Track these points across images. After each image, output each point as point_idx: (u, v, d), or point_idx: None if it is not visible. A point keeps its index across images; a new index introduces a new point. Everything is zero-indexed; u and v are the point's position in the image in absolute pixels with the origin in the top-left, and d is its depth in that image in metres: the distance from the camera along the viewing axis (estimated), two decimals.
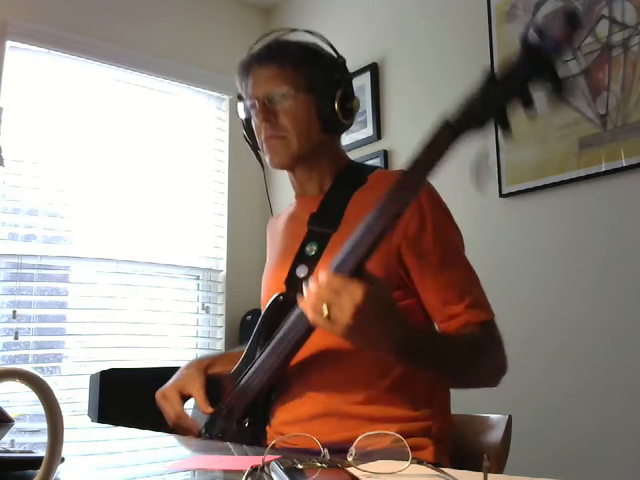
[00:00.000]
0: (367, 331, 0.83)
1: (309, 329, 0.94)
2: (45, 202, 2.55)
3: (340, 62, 1.18)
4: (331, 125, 1.14)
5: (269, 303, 1.10)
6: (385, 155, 2.57)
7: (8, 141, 2.39)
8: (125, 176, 2.74)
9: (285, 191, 1.41)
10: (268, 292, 1.17)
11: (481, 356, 1.01)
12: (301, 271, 1.09)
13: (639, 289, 1.76)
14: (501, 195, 2.09)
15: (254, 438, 1.05)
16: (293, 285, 1.08)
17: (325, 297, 0.81)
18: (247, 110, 1.18)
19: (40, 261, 2.48)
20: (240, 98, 1.20)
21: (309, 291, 0.84)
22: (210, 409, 1.08)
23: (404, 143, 2.50)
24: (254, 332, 1.11)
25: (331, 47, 1.19)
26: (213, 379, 1.15)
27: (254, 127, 1.17)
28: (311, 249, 1.10)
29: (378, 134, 2.61)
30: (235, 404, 1.06)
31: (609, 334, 1.81)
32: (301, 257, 1.11)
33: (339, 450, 0.83)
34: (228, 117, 3.08)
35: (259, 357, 1.04)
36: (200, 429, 1.11)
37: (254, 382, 1.04)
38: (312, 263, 1.08)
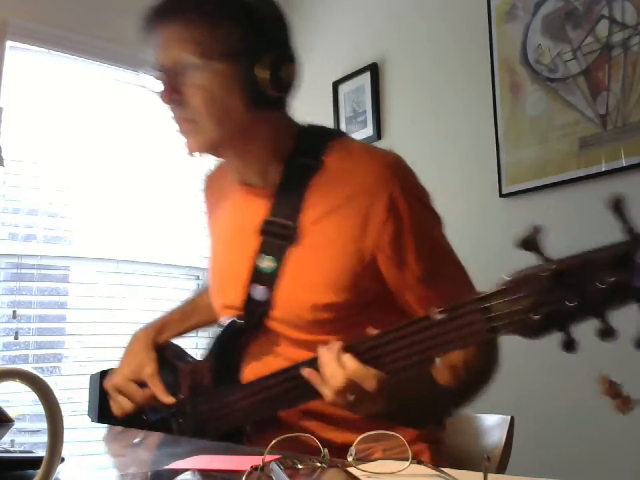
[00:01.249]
0: (392, 416, 0.79)
1: (316, 397, 0.81)
2: (44, 202, 2.54)
3: (273, 14, 0.92)
4: (262, 100, 0.90)
5: (227, 323, 0.98)
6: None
7: (8, 141, 2.39)
8: (124, 176, 2.74)
9: None
10: (224, 301, 1.04)
11: (478, 385, 0.93)
12: (259, 294, 0.94)
13: None
14: (501, 195, 2.09)
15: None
16: (250, 307, 0.95)
17: (350, 392, 0.74)
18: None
19: (40, 260, 2.48)
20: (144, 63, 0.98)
21: (331, 374, 0.74)
22: (171, 399, 0.99)
23: (404, 142, 2.50)
24: (212, 348, 1.01)
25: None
26: (163, 354, 1.05)
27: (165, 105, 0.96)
28: (267, 265, 0.94)
29: (378, 134, 2.61)
30: (205, 417, 0.96)
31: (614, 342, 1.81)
32: (256, 274, 0.95)
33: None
34: None
35: (240, 392, 0.93)
36: (151, 420, 1.03)
37: (231, 409, 0.94)
38: (270, 283, 0.93)
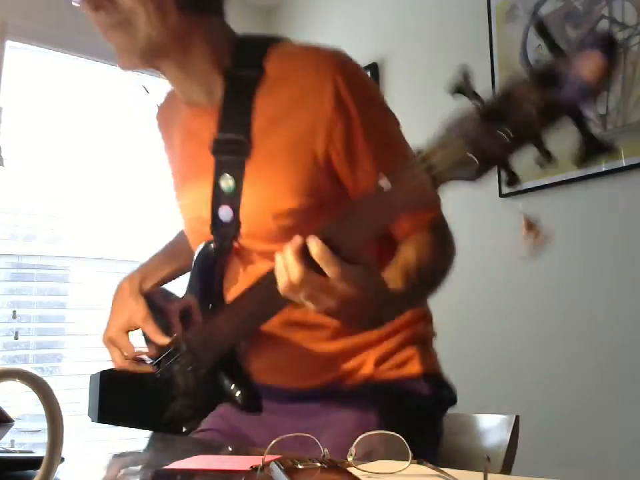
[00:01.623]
0: (344, 316, 0.76)
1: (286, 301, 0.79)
2: (44, 202, 2.55)
3: None
4: (196, 1, 0.88)
5: (199, 250, 0.97)
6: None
7: (8, 141, 2.39)
8: (124, 176, 2.74)
9: None
10: (194, 229, 1.03)
11: (433, 282, 0.90)
12: (225, 214, 0.93)
13: (639, 289, 1.76)
14: (501, 195, 2.09)
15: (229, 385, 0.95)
16: (219, 231, 0.95)
17: (298, 290, 0.71)
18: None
19: (40, 260, 2.48)
20: None
21: (285, 279, 0.71)
22: (166, 340, 0.98)
23: None
24: (191, 277, 1.00)
25: None
26: (150, 299, 1.05)
27: (92, 20, 0.88)
28: (227, 184, 0.93)
29: None
30: (201, 349, 0.96)
31: (614, 333, 1.81)
32: (218, 195, 0.94)
33: (312, 396, 0.81)
34: None
35: (224, 313, 0.92)
36: (154, 363, 1.03)
37: (218, 335, 0.94)
38: (233, 202, 0.92)
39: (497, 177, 2.36)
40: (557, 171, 1.96)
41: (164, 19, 0.86)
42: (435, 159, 0.62)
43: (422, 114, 2.48)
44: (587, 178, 1.88)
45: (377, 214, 0.68)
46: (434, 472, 0.64)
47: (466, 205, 2.16)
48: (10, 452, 0.75)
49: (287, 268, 0.71)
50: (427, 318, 1.03)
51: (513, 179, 0.60)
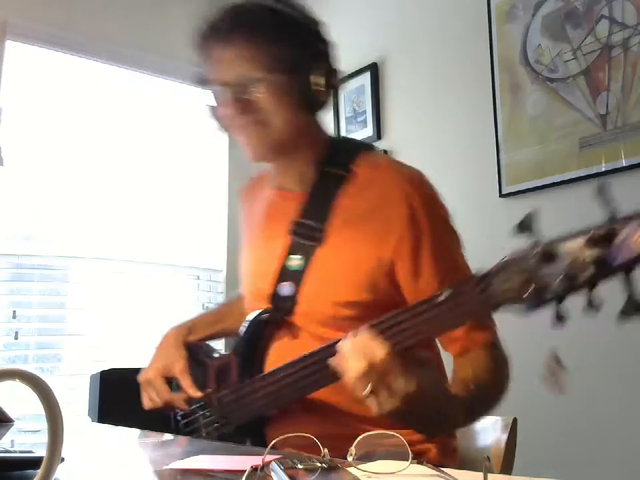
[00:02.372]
0: (408, 417, 0.77)
1: (335, 380, 0.82)
2: (44, 202, 2.55)
3: (317, 27, 1.04)
4: (316, 104, 1.01)
5: (253, 317, 1.03)
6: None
7: (8, 141, 2.39)
8: (124, 175, 2.74)
9: None
10: (252, 296, 1.10)
11: (489, 399, 0.94)
12: (286, 290, 1.01)
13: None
14: (501, 195, 2.09)
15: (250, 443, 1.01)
16: (277, 303, 1.01)
17: (373, 378, 0.73)
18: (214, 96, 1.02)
19: (40, 260, 2.48)
20: (201, 80, 1.05)
21: (354, 364, 0.74)
22: (199, 394, 1.03)
23: (404, 142, 2.50)
24: (239, 341, 1.05)
25: (301, 8, 1.04)
26: (192, 351, 1.10)
27: (223, 117, 1.02)
28: (295, 264, 1.01)
29: (378, 134, 2.61)
30: (232, 410, 1.01)
31: (614, 335, 1.81)
32: (284, 271, 1.02)
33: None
34: None
35: (264, 379, 0.97)
36: (179, 412, 1.08)
37: (256, 402, 0.98)
38: (297, 279, 1.00)
39: (497, 176, 2.36)
40: (557, 171, 1.96)
41: (295, 119, 0.99)
42: (492, 284, 0.69)
43: (422, 114, 2.48)
44: (587, 178, 1.88)
45: (429, 320, 0.74)
46: (434, 472, 0.64)
47: (466, 205, 2.16)
48: (10, 452, 0.75)
49: (366, 349, 0.73)
50: (451, 434, 1.04)
51: (559, 318, 0.66)
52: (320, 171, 1.05)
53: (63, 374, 2.54)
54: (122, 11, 2.80)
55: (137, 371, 1.17)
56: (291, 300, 1.00)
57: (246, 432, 1.00)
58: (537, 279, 0.65)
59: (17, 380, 0.47)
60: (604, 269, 0.61)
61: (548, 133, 2.00)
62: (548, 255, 0.64)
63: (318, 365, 0.84)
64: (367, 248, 0.97)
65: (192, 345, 1.12)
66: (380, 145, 2.59)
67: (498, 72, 2.17)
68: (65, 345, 2.61)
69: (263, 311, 1.02)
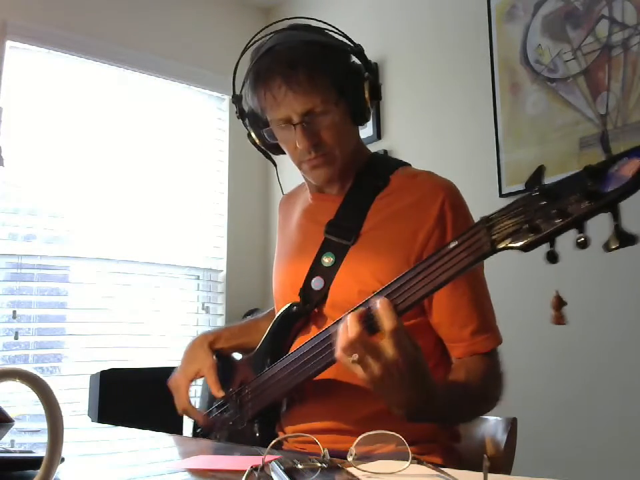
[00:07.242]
0: (390, 392, 0.80)
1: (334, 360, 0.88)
2: (44, 202, 2.55)
3: (359, 48, 1.09)
4: (364, 120, 1.08)
5: (282, 311, 1.08)
6: (385, 154, 2.57)
7: (8, 141, 2.39)
8: (125, 176, 2.74)
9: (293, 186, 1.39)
10: (282, 295, 1.14)
11: (481, 403, 0.98)
12: (317, 284, 1.06)
13: (638, 289, 1.76)
14: (501, 195, 2.09)
15: (260, 439, 1.04)
16: (307, 296, 1.06)
17: (359, 351, 0.77)
18: (267, 130, 1.07)
19: (40, 260, 2.48)
20: (241, 106, 1.11)
21: (344, 336, 0.78)
22: (222, 393, 1.08)
23: (404, 142, 2.50)
24: (266, 335, 1.10)
25: (344, 35, 1.10)
26: (220, 357, 1.15)
27: (285, 147, 1.08)
28: (328, 260, 1.06)
29: (378, 134, 2.61)
30: (248, 402, 1.05)
31: (613, 335, 1.81)
32: (316, 267, 1.07)
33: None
34: (228, 117, 3.08)
35: (277, 366, 1.01)
36: (205, 413, 1.13)
37: (269, 389, 1.02)
38: (328, 275, 1.05)
39: (497, 176, 2.36)
40: (557, 171, 1.96)
41: (354, 141, 1.10)
42: (497, 227, 0.74)
43: (422, 114, 2.48)
44: None
45: (438, 270, 0.78)
46: (434, 472, 0.64)
47: None
48: (10, 452, 0.75)
49: (345, 327, 0.78)
50: (456, 438, 1.07)
51: (552, 256, 0.70)
52: (359, 178, 1.12)
53: (63, 374, 2.55)
54: (122, 11, 2.80)
55: (136, 371, 1.18)
56: (321, 294, 1.05)
57: (258, 420, 1.04)
58: (537, 214, 0.70)
59: (17, 380, 0.47)
60: (597, 200, 0.65)
61: (548, 133, 2.00)
62: (546, 193, 0.70)
63: (326, 342, 0.89)
64: (397, 244, 1.02)
65: (218, 350, 1.17)
66: (380, 144, 2.59)
67: (498, 72, 2.17)
68: (65, 345, 2.61)
69: (291, 304, 1.07)
